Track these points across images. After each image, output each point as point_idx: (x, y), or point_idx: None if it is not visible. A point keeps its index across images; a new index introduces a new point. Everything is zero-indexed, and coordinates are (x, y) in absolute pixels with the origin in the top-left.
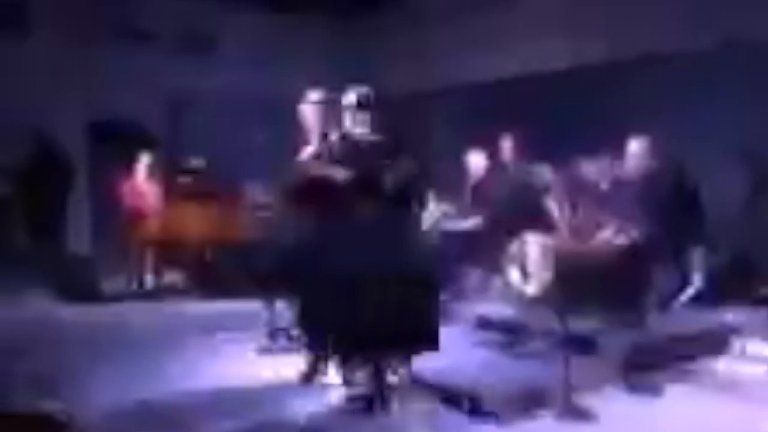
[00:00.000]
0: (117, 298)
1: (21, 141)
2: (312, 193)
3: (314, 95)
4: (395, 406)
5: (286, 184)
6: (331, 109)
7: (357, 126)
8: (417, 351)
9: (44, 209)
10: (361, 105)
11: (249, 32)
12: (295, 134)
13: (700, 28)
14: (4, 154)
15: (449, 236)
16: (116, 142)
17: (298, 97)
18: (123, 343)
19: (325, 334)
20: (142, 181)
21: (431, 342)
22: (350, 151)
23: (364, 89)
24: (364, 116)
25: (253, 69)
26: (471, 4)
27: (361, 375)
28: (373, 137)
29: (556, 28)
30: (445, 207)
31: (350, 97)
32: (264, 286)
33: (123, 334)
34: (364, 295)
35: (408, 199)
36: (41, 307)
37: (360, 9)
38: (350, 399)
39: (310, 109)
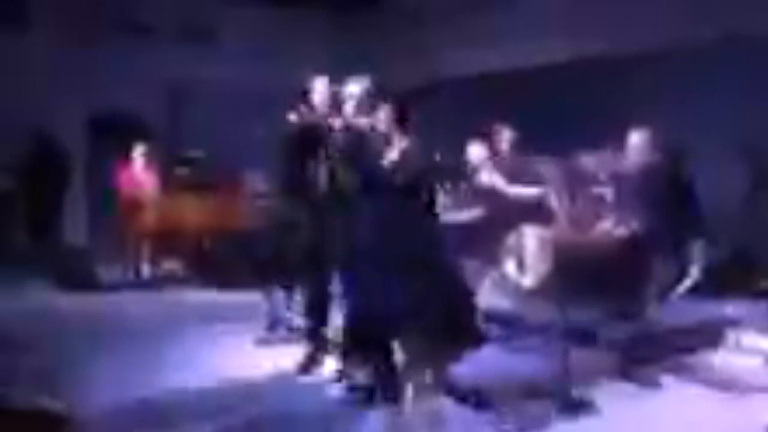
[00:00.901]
0: (115, 287)
1: (22, 138)
2: (306, 140)
3: (320, 83)
4: (398, 398)
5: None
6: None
7: (360, 116)
8: (451, 349)
9: (44, 203)
10: (366, 95)
11: (249, 25)
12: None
13: (700, 22)
14: (6, 151)
15: (446, 228)
16: (115, 135)
17: (298, 90)
18: (121, 334)
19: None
20: (140, 170)
21: (465, 339)
22: (355, 142)
23: (366, 79)
24: (369, 106)
25: (253, 62)
26: (471, 1)
27: (363, 366)
28: (378, 128)
29: (556, 23)
30: (443, 198)
31: (353, 87)
32: (263, 275)
33: (121, 324)
34: (381, 287)
35: (419, 191)
36: (41, 297)
37: (360, 3)
38: (350, 389)
39: (318, 96)
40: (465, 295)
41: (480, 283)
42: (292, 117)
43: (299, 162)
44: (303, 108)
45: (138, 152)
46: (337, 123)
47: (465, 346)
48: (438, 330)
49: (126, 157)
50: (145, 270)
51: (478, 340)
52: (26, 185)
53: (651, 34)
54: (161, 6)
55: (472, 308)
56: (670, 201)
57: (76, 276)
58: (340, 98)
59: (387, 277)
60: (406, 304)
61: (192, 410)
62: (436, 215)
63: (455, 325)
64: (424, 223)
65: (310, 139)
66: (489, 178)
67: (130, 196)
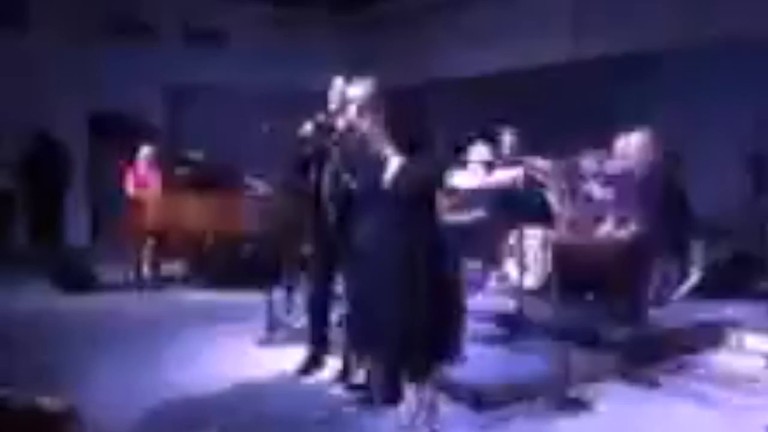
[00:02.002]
0: (116, 287)
1: (24, 138)
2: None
3: (338, 83)
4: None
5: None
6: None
7: (363, 118)
8: (433, 359)
9: (46, 204)
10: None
11: (251, 25)
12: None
13: (702, 24)
14: (9, 151)
15: (448, 229)
16: (118, 136)
17: (298, 89)
18: (122, 334)
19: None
20: (145, 171)
21: (447, 351)
22: (357, 144)
23: (370, 81)
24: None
25: (255, 61)
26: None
27: (363, 366)
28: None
29: (556, 24)
30: (443, 199)
31: (354, 90)
32: (264, 276)
33: (121, 324)
34: (380, 295)
35: (419, 196)
36: (42, 297)
37: (362, 2)
38: (351, 389)
39: (334, 97)
40: (458, 310)
41: (481, 284)
42: (308, 126)
43: (304, 164)
44: (319, 115)
45: (143, 153)
46: (340, 124)
47: (447, 360)
48: (428, 341)
49: (131, 158)
50: (147, 270)
51: (458, 356)
52: (28, 185)
53: (652, 35)
54: (163, 7)
55: (461, 324)
56: (669, 202)
57: (77, 277)
58: (345, 99)
59: (386, 283)
60: (403, 313)
61: (193, 410)
62: (436, 221)
63: (443, 339)
64: (425, 231)
65: (318, 142)
66: (468, 180)
67: (135, 196)
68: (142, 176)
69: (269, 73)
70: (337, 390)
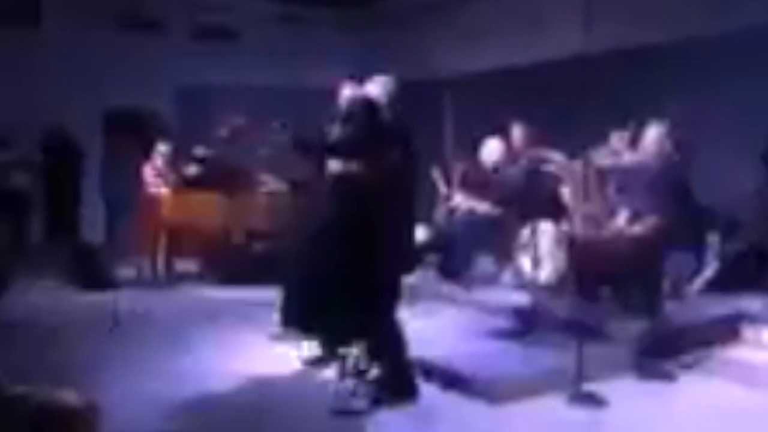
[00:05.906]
0: (132, 284)
1: (39, 136)
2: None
3: (348, 87)
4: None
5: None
6: None
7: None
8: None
9: (61, 201)
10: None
11: (259, 22)
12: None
13: (719, 14)
14: (23, 149)
15: (462, 224)
16: (131, 132)
17: (307, 86)
18: (138, 330)
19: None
20: (159, 168)
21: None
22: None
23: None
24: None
25: (264, 58)
26: None
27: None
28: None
29: (568, 16)
30: (458, 196)
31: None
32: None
33: (138, 320)
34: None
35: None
36: (59, 295)
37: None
38: (362, 385)
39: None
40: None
41: (494, 278)
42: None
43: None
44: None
45: (159, 150)
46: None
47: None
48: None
49: (146, 156)
50: (162, 267)
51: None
52: (43, 183)
53: (666, 26)
54: (173, 4)
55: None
56: (684, 195)
57: (93, 274)
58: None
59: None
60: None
61: (208, 405)
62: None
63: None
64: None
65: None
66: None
67: (150, 193)
68: (158, 173)
69: (278, 70)
70: (347, 384)
